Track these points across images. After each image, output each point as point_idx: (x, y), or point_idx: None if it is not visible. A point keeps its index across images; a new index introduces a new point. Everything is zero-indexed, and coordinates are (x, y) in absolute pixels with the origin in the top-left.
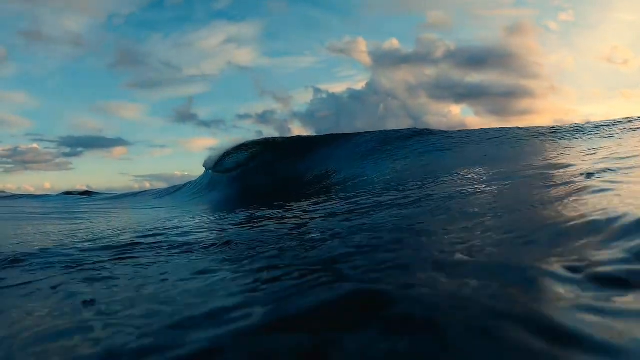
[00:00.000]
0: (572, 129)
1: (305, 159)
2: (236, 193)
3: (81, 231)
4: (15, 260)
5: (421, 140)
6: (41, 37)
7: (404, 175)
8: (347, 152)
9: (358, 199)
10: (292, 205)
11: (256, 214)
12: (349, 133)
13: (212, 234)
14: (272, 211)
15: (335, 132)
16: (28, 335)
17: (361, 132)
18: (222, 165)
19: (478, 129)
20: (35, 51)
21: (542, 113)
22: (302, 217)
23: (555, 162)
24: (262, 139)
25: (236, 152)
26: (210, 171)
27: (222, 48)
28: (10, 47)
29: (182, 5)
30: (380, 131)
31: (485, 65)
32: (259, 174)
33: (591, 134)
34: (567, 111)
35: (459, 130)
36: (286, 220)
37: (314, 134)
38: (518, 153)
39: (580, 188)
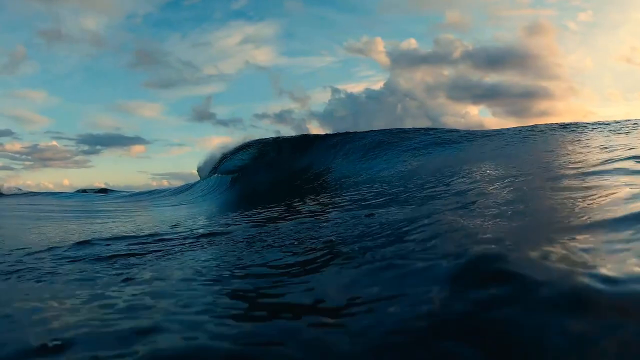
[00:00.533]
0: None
1: (309, 156)
2: (243, 192)
3: (110, 228)
4: (51, 253)
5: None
6: (61, 36)
7: (410, 169)
8: (353, 148)
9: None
10: (298, 201)
11: (266, 211)
12: (350, 132)
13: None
14: (275, 208)
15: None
16: (79, 303)
17: (361, 131)
18: (224, 168)
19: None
20: (55, 50)
21: (561, 115)
22: (314, 210)
23: (564, 156)
24: (263, 139)
25: (238, 153)
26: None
27: (240, 48)
28: (30, 46)
29: (200, 5)
30: (382, 130)
31: (504, 66)
32: (262, 173)
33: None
34: (586, 113)
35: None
36: (296, 216)
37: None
38: (526, 149)
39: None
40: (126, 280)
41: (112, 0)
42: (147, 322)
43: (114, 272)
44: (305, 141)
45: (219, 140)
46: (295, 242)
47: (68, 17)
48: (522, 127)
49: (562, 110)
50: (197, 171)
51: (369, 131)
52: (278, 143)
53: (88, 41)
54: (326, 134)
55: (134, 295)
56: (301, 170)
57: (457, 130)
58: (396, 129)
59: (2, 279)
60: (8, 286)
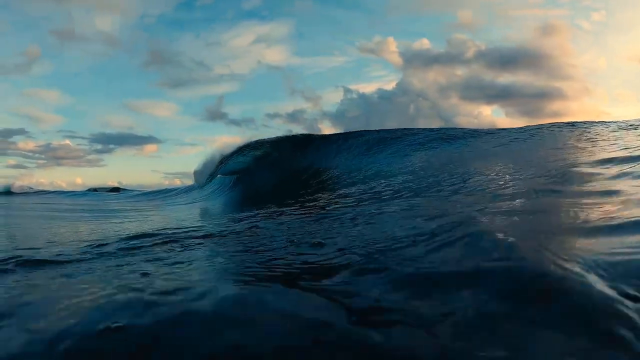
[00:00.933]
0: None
1: (313, 154)
2: (250, 191)
3: (128, 227)
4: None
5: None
6: (74, 36)
7: (415, 164)
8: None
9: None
10: (307, 198)
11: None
12: (346, 132)
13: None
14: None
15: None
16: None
17: (359, 130)
18: (228, 168)
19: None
20: (68, 50)
21: (574, 115)
22: (321, 206)
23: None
24: (262, 139)
25: (241, 153)
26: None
27: (252, 47)
28: (43, 46)
29: (213, 5)
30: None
31: (517, 66)
32: (267, 172)
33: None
34: (599, 113)
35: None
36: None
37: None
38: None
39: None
40: (145, 275)
41: (125, 0)
42: (179, 306)
43: (143, 263)
44: (308, 140)
45: (231, 140)
46: (295, 241)
47: (81, 17)
48: (527, 126)
49: (575, 110)
50: (194, 174)
51: (370, 130)
52: (279, 142)
53: (101, 41)
54: (329, 134)
55: (163, 283)
56: (306, 168)
57: (461, 128)
58: (399, 128)
59: (37, 274)
60: (46, 281)
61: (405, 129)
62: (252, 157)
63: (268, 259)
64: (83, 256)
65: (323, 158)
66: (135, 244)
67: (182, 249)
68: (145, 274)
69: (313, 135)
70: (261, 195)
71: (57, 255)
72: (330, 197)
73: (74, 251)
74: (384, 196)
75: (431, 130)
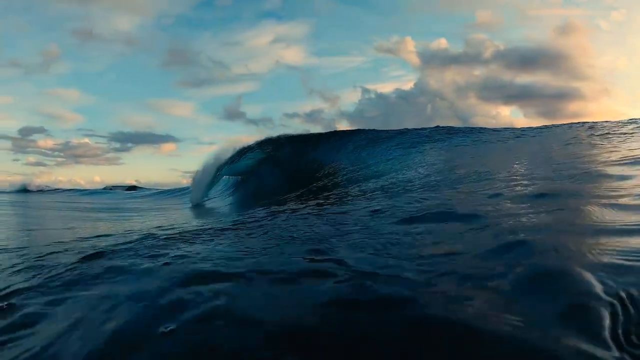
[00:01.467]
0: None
1: (316, 153)
2: (261, 189)
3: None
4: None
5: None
6: (93, 36)
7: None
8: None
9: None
10: (313, 194)
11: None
12: (346, 130)
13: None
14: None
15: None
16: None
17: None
18: (234, 168)
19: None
20: (88, 50)
21: (593, 116)
22: (328, 202)
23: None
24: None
25: (247, 153)
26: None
27: (270, 47)
28: (63, 46)
29: (231, 5)
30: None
31: (536, 66)
32: (277, 170)
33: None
34: (618, 114)
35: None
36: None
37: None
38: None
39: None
40: (169, 264)
41: (144, 0)
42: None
43: (175, 253)
44: (312, 139)
45: (249, 140)
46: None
47: (100, 17)
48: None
49: (593, 111)
50: (193, 181)
51: (368, 130)
52: (282, 141)
53: (120, 41)
54: (334, 131)
55: (194, 276)
56: (311, 166)
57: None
58: (405, 128)
59: (97, 266)
60: (84, 285)
61: (415, 128)
62: (257, 157)
63: (302, 253)
64: (128, 247)
65: (327, 155)
66: (164, 236)
67: (212, 238)
68: (167, 265)
69: (315, 134)
70: (270, 194)
71: (106, 247)
72: (340, 193)
73: (118, 243)
74: (393, 192)
75: (437, 129)
